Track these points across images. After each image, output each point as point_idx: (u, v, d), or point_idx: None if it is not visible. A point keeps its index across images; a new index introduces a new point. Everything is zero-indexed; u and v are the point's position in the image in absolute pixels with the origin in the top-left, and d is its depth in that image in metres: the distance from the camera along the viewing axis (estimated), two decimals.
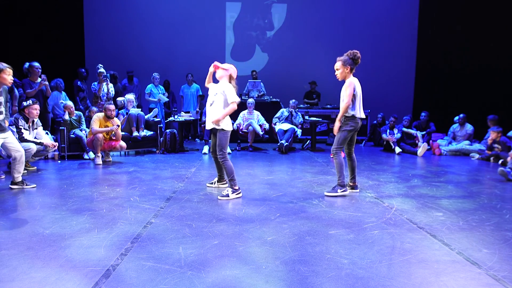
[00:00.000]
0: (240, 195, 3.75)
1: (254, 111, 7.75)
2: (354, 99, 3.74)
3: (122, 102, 7.22)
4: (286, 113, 7.83)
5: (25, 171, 4.81)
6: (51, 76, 6.75)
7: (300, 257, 2.27)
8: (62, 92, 7.11)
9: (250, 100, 7.70)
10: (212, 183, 4.24)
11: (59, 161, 5.95)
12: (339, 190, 3.82)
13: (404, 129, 7.75)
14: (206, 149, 7.02)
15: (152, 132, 7.11)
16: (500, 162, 6.20)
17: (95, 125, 5.77)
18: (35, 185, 4.11)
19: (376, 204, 3.54)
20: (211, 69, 3.91)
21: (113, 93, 7.37)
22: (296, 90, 10.21)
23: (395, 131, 7.70)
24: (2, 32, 7.94)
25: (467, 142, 7.46)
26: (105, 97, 7.22)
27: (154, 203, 3.47)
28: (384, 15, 10.77)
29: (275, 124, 7.79)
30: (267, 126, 7.67)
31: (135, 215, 3.07)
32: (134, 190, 3.98)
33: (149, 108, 8.45)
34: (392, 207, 3.43)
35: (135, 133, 6.77)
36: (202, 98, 8.88)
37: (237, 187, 3.75)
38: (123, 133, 6.49)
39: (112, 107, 5.93)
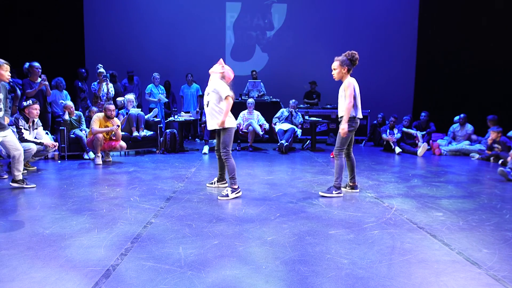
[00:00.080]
0: (239, 194, 3.75)
1: (254, 111, 7.75)
2: (354, 99, 3.72)
3: (122, 102, 7.22)
4: (286, 113, 7.83)
5: (25, 171, 4.81)
6: (51, 76, 6.75)
7: (300, 257, 2.27)
8: (63, 91, 7.09)
9: (250, 100, 7.70)
10: (212, 183, 4.24)
11: (59, 161, 5.95)
12: (334, 192, 3.81)
13: (404, 129, 7.75)
14: (206, 149, 7.02)
15: (152, 132, 7.12)
16: (500, 162, 6.20)
17: (95, 125, 5.77)
18: (34, 185, 4.12)
19: (376, 204, 3.54)
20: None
21: (113, 93, 7.37)
22: (296, 90, 10.21)
23: (395, 131, 7.70)
24: (2, 32, 7.94)
25: (467, 142, 7.46)
26: (105, 97, 7.22)
27: (154, 203, 3.47)
28: (384, 15, 10.77)
29: (275, 124, 7.79)
30: (267, 126, 7.67)
31: (135, 215, 3.07)
32: (134, 190, 3.98)
33: (149, 108, 8.45)
34: (392, 207, 3.43)
35: (135, 133, 6.78)
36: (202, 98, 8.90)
37: (236, 186, 3.75)
38: (123, 133, 6.49)
39: (112, 107, 5.93)
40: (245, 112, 7.70)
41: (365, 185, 4.38)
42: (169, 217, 3.04)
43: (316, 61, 10.69)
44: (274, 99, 8.99)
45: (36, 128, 5.19)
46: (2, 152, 4.84)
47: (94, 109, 6.69)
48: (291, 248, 2.40)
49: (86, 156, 6.18)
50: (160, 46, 10.56)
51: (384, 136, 7.67)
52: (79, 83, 7.76)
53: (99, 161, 5.74)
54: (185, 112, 7.90)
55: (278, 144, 7.33)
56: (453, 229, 2.84)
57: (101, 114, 5.90)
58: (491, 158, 6.53)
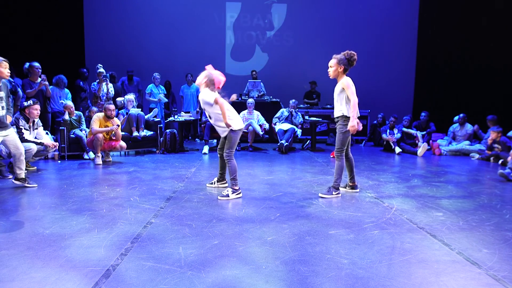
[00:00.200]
0: (240, 195, 3.75)
1: (254, 111, 7.75)
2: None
3: (122, 102, 7.22)
4: (286, 113, 7.83)
5: (25, 171, 4.81)
6: (51, 76, 6.75)
7: (300, 257, 2.27)
8: (65, 89, 7.06)
9: (250, 100, 7.71)
10: (212, 183, 4.24)
11: (59, 161, 5.95)
12: (334, 193, 3.81)
13: (404, 129, 7.75)
14: (206, 149, 7.02)
15: (152, 132, 7.12)
16: (500, 162, 6.20)
17: (95, 125, 5.77)
18: (36, 185, 4.14)
19: (376, 204, 3.54)
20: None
21: (113, 93, 7.37)
22: (296, 90, 10.21)
23: (395, 131, 7.70)
24: (2, 32, 7.94)
25: (467, 142, 7.46)
26: (104, 97, 7.22)
27: (154, 203, 3.47)
28: (384, 15, 10.77)
29: (275, 124, 7.79)
30: (267, 126, 7.67)
31: (135, 215, 3.07)
32: (134, 190, 3.98)
33: (149, 108, 8.45)
34: (392, 207, 3.43)
35: (135, 133, 6.78)
36: None
37: (237, 187, 3.75)
38: (123, 133, 6.49)
39: (112, 107, 5.93)
40: (245, 112, 7.70)
41: (365, 185, 4.38)
42: (169, 217, 3.04)
43: (316, 61, 10.68)
44: (274, 99, 8.99)
45: (37, 128, 5.20)
46: (2, 152, 4.84)
47: (94, 109, 6.69)
48: (291, 248, 2.40)
49: (86, 156, 6.18)
50: (160, 46, 10.56)
51: (384, 136, 7.68)
52: (81, 83, 7.76)
53: (99, 161, 5.74)
54: (185, 112, 7.90)
55: (278, 144, 7.33)
56: (453, 229, 2.84)
57: (101, 114, 5.90)
58: (491, 158, 6.53)
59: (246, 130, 7.48)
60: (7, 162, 5.04)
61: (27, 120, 5.04)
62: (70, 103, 6.30)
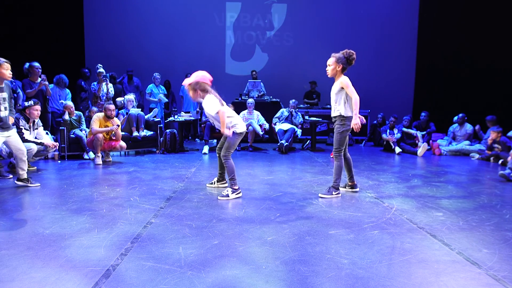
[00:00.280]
0: (240, 194, 3.75)
1: (254, 111, 7.75)
2: (351, 99, 3.69)
3: (122, 102, 7.22)
4: (286, 113, 7.83)
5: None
6: (51, 76, 6.74)
7: (300, 257, 2.27)
8: (65, 89, 7.06)
9: (250, 100, 7.71)
10: (212, 183, 4.24)
11: (59, 161, 5.95)
12: (334, 193, 3.81)
13: (404, 129, 7.75)
14: (206, 149, 7.02)
15: (152, 132, 7.12)
16: (500, 162, 6.20)
17: (95, 125, 5.77)
18: (39, 184, 4.17)
19: (376, 204, 3.54)
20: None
21: (113, 93, 7.37)
22: (296, 90, 10.21)
23: (395, 131, 7.70)
24: (2, 32, 7.94)
25: (467, 142, 7.46)
26: (104, 97, 7.22)
27: (154, 203, 3.47)
28: (384, 15, 10.77)
29: (275, 124, 7.79)
30: (267, 126, 7.67)
31: (135, 215, 3.07)
32: (134, 190, 3.98)
33: (149, 108, 8.45)
34: (392, 207, 3.43)
35: (135, 133, 6.78)
36: None
37: (236, 187, 3.75)
38: (123, 133, 6.49)
39: (112, 107, 5.93)
40: (245, 112, 7.70)
41: (365, 185, 4.38)
42: (169, 217, 3.04)
43: (316, 61, 10.66)
44: (274, 99, 9.00)
45: (37, 128, 5.20)
46: (1, 152, 4.84)
47: (94, 109, 6.69)
48: (291, 248, 2.40)
49: (86, 156, 6.18)
50: (160, 46, 10.56)
51: (384, 136, 7.68)
52: (82, 82, 7.77)
53: (99, 161, 5.74)
54: (185, 112, 7.90)
55: (278, 144, 7.33)
56: (453, 229, 2.84)
57: (101, 114, 5.90)
58: (491, 158, 6.53)
59: (246, 130, 7.48)
60: (7, 162, 5.05)
61: (27, 120, 5.04)
62: (70, 103, 6.30)
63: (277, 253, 2.33)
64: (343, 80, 3.66)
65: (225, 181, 4.21)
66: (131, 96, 7.30)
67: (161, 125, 7.55)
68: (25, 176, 4.11)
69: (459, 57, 9.19)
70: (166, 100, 8.62)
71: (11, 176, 4.61)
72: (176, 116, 7.51)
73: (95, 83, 7.32)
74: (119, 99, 7.32)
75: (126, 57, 10.14)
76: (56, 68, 7.58)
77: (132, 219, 2.96)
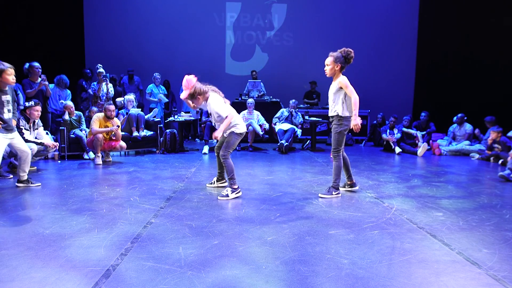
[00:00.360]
0: (239, 194, 3.75)
1: (254, 111, 7.75)
2: (349, 98, 3.68)
3: (122, 102, 7.22)
4: (286, 113, 7.83)
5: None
6: (51, 77, 6.74)
7: (300, 257, 2.27)
8: (66, 90, 7.05)
9: (250, 100, 7.71)
10: (211, 183, 4.24)
11: (59, 161, 5.95)
12: (334, 193, 3.80)
13: (404, 129, 7.75)
14: (206, 149, 7.02)
15: (152, 132, 7.12)
16: (500, 162, 6.20)
17: (95, 125, 5.77)
18: (40, 184, 4.17)
19: (376, 204, 3.54)
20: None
21: (113, 93, 7.37)
22: (296, 90, 10.21)
23: (395, 131, 7.70)
24: (1, 32, 7.94)
25: (467, 142, 7.46)
26: (104, 97, 7.22)
27: (154, 203, 3.47)
28: (384, 15, 10.77)
29: (275, 124, 7.80)
30: (267, 126, 7.67)
31: (135, 215, 3.07)
32: (134, 190, 3.98)
33: (149, 108, 8.45)
34: (392, 207, 3.43)
35: (135, 133, 6.78)
36: None
37: (236, 186, 3.75)
38: (123, 133, 6.49)
39: (112, 107, 5.93)
40: (245, 112, 7.70)
41: (365, 185, 4.38)
42: (169, 217, 3.04)
43: (316, 61, 10.61)
44: (274, 99, 9.00)
45: (37, 129, 5.20)
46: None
47: (94, 109, 6.69)
48: (291, 248, 2.40)
49: (86, 156, 6.18)
50: (160, 46, 10.56)
51: (384, 136, 7.68)
52: (83, 82, 7.76)
53: (99, 161, 5.74)
54: (185, 112, 7.90)
55: (278, 144, 7.34)
56: (453, 229, 2.84)
57: (101, 114, 5.90)
58: (491, 158, 6.53)
59: (246, 130, 7.48)
60: (7, 162, 5.04)
61: (28, 120, 5.04)
62: (70, 103, 6.30)
63: (277, 253, 2.33)
64: (342, 80, 3.64)
65: (224, 180, 4.21)
66: (131, 96, 7.30)
67: (161, 125, 7.55)
68: (26, 177, 4.12)
69: (459, 57, 9.19)
70: (167, 100, 8.62)
71: (11, 176, 4.62)
72: (176, 116, 7.51)
73: (95, 83, 7.32)
74: (119, 99, 7.33)
75: (126, 57, 10.14)
76: (56, 68, 7.59)
77: (132, 219, 2.96)
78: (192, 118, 7.83)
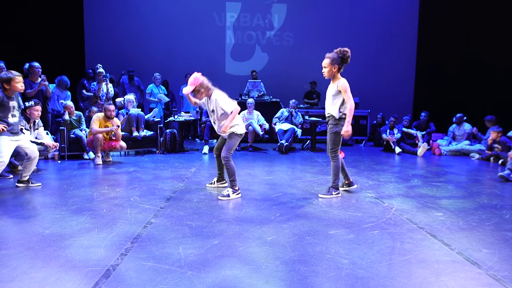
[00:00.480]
0: (239, 195, 3.75)
1: (254, 111, 7.75)
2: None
3: (122, 102, 7.22)
4: (286, 113, 7.83)
5: None
6: (51, 77, 6.74)
7: (300, 257, 2.27)
8: (66, 91, 7.04)
9: (250, 100, 7.71)
10: (211, 183, 4.24)
11: (59, 161, 5.95)
12: (333, 193, 3.80)
13: (404, 129, 7.75)
14: (206, 149, 7.02)
15: (152, 132, 7.12)
16: (500, 162, 6.20)
17: (95, 125, 5.77)
18: (40, 184, 4.17)
19: (376, 204, 3.54)
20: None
21: (113, 93, 7.37)
22: (296, 90, 10.21)
23: (395, 131, 7.70)
24: (1, 32, 7.94)
25: (467, 142, 7.46)
26: (104, 97, 7.22)
27: (154, 203, 3.47)
28: (384, 15, 10.77)
29: (275, 124, 7.79)
30: (267, 126, 7.67)
31: (135, 215, 3.07)
32: (134, 190, 3.98)
33: (149, 108, 8.45)
34: (392, 207, 3.43)
35: (135, 133, 6.78)
36: None
37: (237, 188, 3.75)
38: (123, 133, 6.49)
39: (112, 107, 5.93)
40: (245, 112, 7.70)
41: (365, 185, 4.38)
42: (169, 217, 3.04)
43: (316, 61, 10.57)
44: (274, 99, 8.99)
45: (37, 129, 5.20)
46: None
47: (94, 109, 6.69)
48: (291, 248, 2.40)
49: (86, 156, 6.18)
50: (160, 46, 10.56)
51: (384, 136, 7.68)
52: (85, 81, 7.77)
53: (99, 161, 5.74)
54: (185, 112, 7.90)
55: (278, 144, 7.34)
56: (453, 229, 2.84)
57: (101, 114, 5.90)
58: (491, 158, 6.53)
59: (246, 130, 7.48)
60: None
61: (28, 120, 5.05)
62: (70, 103, 6.30)
63: (277, 253, 2.33)
64: (342, 84, 3.61)
65: (224, 181, 4.21)
66: (131, 96, 7.30)
67: (161, 125, 7.55)
68: (27, 178, 4.13)
69: (459, 57, 9.20)
70: (168, 99, 8.61)
71: (11, 176, 4.62)
72: (176, 116, 7.51)
73: (95, 83, 7.32)
74: (118, 99, 7.33)
75: (126, 57, 10.14)
76: (56, 68, 7.59)
77: (132, 219, 2.96)
78: (192, 118, 7.83)
